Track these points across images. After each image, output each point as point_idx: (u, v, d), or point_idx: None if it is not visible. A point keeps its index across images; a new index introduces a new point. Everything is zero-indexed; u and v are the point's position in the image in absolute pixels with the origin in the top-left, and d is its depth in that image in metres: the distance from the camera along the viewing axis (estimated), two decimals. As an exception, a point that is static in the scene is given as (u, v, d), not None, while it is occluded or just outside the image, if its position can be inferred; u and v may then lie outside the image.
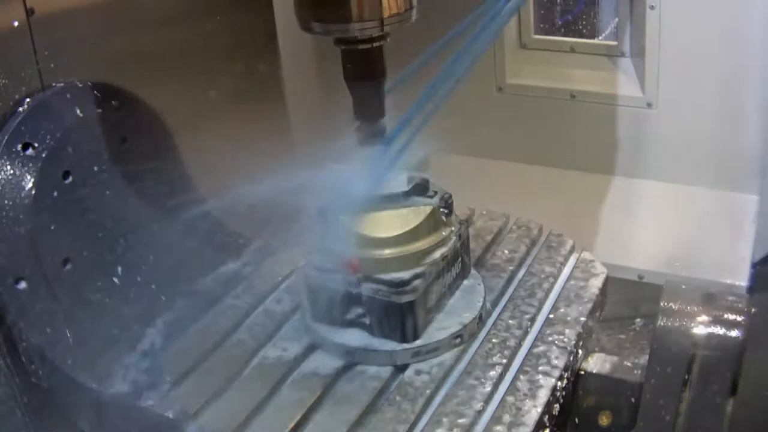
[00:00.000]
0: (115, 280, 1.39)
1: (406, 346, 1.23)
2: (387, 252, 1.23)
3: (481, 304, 1.31)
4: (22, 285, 1.26)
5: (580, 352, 1.31)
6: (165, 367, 1.28)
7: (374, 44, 1.16)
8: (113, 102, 1.40)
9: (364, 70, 1.17)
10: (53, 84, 1.32)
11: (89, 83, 1.37)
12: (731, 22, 1.90)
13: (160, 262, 1.44)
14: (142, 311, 1.40)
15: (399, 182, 1.26)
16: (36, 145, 1.28)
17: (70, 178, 1.32)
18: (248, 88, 1.73)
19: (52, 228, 1.30)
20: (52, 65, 1.32)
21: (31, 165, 1.27)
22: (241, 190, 1.33)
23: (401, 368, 1.23)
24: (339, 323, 1.27)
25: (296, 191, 1.29)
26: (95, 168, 1.37)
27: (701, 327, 1.23)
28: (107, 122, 1.39)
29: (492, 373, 1.21)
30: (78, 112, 1.34)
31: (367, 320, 1.25)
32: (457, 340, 1.26)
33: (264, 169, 1.29)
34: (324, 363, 1.26)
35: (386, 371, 1.23)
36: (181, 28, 1.59)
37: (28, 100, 1.29)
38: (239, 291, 1.44)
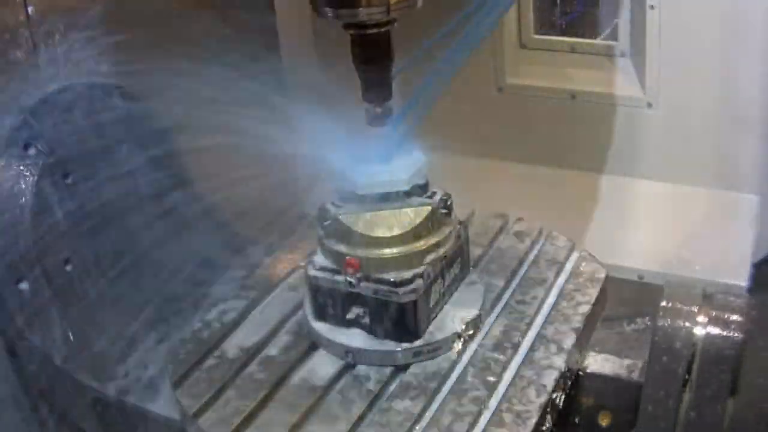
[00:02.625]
0: (115, 279, 1.39)
1: (406, 346, 1.23)
2: (387, 252, 1.23)
3: (480, 304, 1.31)
4: (23, 285, 1.26)
5: (580, 352, 1.31)
6: (164, 366, 1.28)
7: (381, 29, 1.20)
8: (113, 101, 1.40)
9: (371, 54, 1.22)
10: (53, 84, 1.32)
11: (90, 83, 1.37)
12: (731, 22, 1.90)
13: (160, 260, 1.44)
14: (142, 310, 1.40)
15: (399, 182, 1.26)
16: (36, 145, 1.28)
17: (70, 179, 1.32)
18: (249, 86, 1.73)
19: (53, 227, 1.30)
20: (51, 65, 1.32)
21: (31, 165, 1.27)
22: (242, 190, 1.34)
23: (402, 368, 1.23)
24: (340, 323, 1.27)
25: (297, 189, 1.30)
26: (95, 168, 1.37)
27: (701, 327, 1.23)
28: (107, 122, 1.39)
29: (492, 372, 1.21)
30: (78, 112, 1.34)
31: (367, 320, 1.25)
32: (457, 340, 1.26)
33: (264, 165, 1.29)
34: (324, 363, 1.26)
35: (387, 371, 1.23)
36: (182, 27, 1.59)
37: (28, 100, 1.29)
38: (239, 289, 1.44)
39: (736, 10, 1.89)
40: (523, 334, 1.29)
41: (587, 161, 2.18)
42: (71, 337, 1.30)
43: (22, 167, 1.26)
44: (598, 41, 2.30)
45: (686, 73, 2.00)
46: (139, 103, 1.46)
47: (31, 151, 1.27)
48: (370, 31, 1.20)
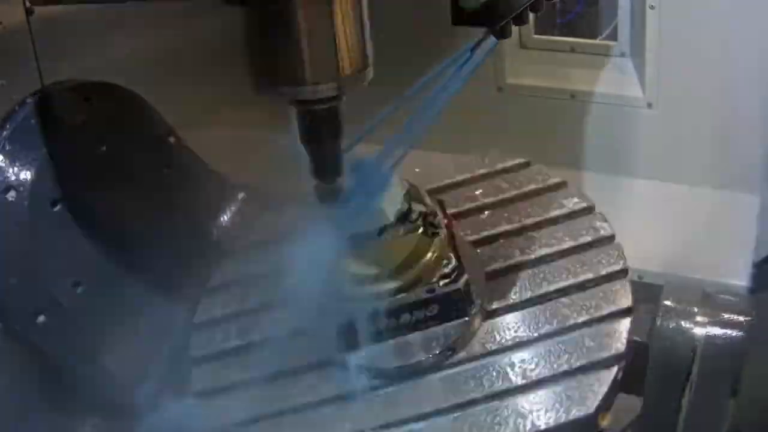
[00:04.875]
0: (117, 280, 1.39)
1: (405, 353, 1.23)
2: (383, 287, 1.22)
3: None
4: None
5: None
6: (166, 367, 1.29)
7: (330, 104, 1.09)
8: (113, 102, 1.41)
9: (320, 131, 1.11)
10: (53, 84, 1.32)
11: (89, 83, 1.37)
12: (731, 22, 1.90)
13: (164, 263, 1.44)
14: (145, 315, 1.40)
15: (381, 216, 1.22)
16: (36, 145, 1.28)
17: (71, 180, 1.32)
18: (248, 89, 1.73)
19: (53, 229, 1.30)
20: (52, 65, 1.32)
21: (31, 165, 1.27)
22: (243, 191, 1.33)
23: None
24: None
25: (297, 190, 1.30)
26: (95, 169, 1.37)
27: (701, 327, 1.23)
28: (107, 122, 1.39)
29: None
30: (77, 112, 1.34)
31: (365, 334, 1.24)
32: (450, 352, 1.25)
33: (265, 171, 1.29)
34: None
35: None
36: (180, 29, 1.59)
37: (28, 100, 1.29)
38: (241, 291, 1.44)
39: (736, 10, 1.89)
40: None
41: (587, 161, 2.18)
42: (77, 350, 1.30)
43: (20, 167, 1.26)
44: (598, 41, 2.30)
45: (686, 73, 1.99)
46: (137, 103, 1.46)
47: (30, 152, 1.28)
48: (317, 107, 1.08)
